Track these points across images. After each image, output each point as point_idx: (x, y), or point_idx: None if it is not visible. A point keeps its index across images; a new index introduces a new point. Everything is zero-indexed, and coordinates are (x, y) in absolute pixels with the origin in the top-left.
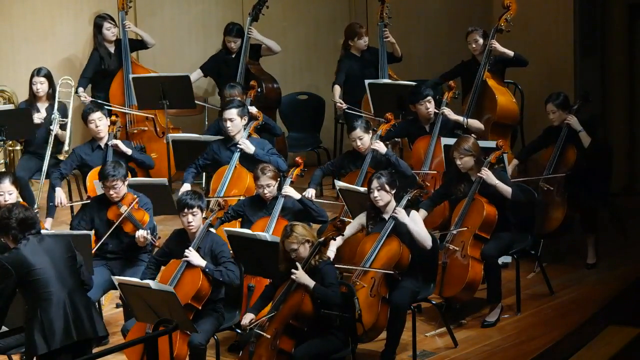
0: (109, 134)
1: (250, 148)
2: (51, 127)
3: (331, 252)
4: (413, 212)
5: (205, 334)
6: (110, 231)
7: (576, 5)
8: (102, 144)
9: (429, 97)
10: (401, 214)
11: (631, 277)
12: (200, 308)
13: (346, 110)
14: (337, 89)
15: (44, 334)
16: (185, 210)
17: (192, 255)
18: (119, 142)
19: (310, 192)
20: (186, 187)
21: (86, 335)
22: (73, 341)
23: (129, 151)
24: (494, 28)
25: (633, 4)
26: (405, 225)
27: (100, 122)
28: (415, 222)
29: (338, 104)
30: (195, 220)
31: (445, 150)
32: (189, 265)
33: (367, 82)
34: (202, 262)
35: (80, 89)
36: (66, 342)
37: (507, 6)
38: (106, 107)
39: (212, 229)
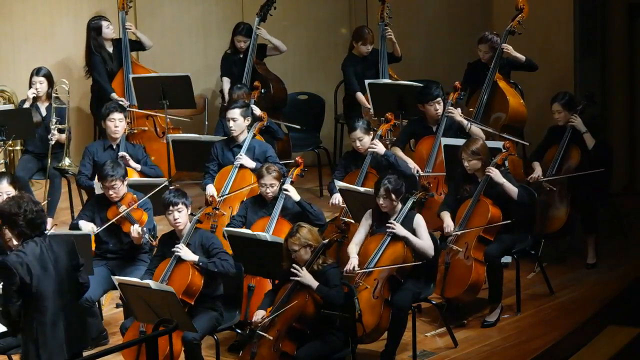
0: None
1: (250, 164)
2: (49, 137)
3: (354, 259)
4: (417, 217)
5: (200, 330)
6: (104, 227)
7: (576, 5)
8: (115, 145)
9: (439, 99)
10: (398, 229)
11: (631, 277)
12: (192, 304)
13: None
14: (361, 95)
15: (37, 351)
16: (171, 208)
17: (183, 250)
18: (127, 156)
19: (338, 198)
20: (210, 189)
21: (79, 349)
22: (65, 358)
23: (137, 167)
24: (507, 30)
25: (633, 4)
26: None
27: (119, 123)
28: (419, 226)
29: (371, 112)
30: (181, 216)
31: (446, 151)
32: (179, 261)
33: (367, 82)
34: (194, 257)
35: (113, 95)
36: (58, 359)
37: (521, 8)
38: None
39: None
